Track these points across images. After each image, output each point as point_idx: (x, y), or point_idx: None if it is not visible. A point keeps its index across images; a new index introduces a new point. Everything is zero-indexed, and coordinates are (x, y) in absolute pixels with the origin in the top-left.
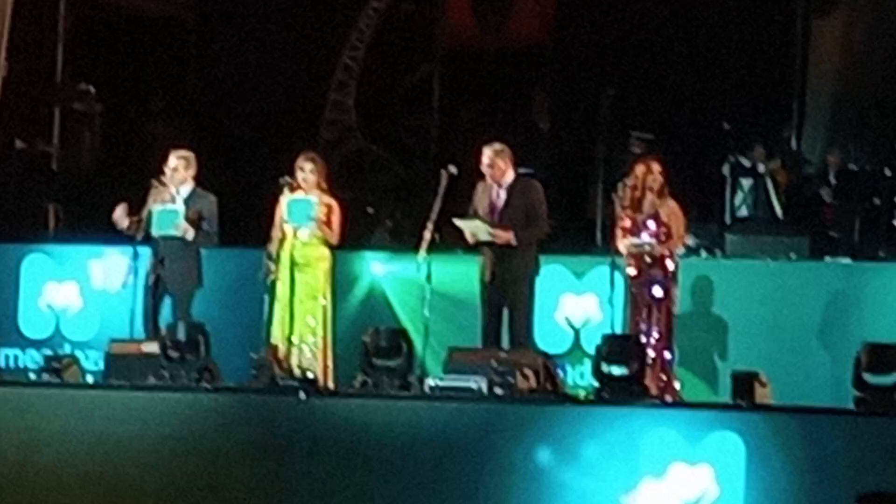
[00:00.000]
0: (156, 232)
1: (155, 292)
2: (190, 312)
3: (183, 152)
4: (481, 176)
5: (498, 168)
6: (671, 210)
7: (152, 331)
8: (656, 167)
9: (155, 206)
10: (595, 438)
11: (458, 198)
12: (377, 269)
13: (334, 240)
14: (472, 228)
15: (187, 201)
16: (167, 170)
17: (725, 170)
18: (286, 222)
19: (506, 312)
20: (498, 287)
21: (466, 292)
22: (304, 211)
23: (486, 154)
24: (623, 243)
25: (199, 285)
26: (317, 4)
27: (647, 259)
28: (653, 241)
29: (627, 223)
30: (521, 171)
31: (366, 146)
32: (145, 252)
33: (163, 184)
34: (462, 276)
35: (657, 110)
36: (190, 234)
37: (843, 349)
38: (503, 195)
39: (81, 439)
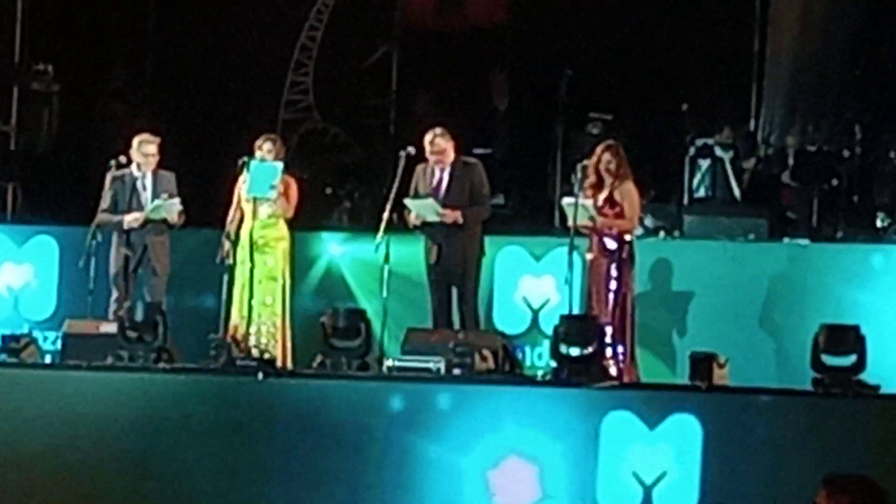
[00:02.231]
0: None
1: (133, 277)
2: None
3: (149, 135)
4: (424, 159)
5: (446, 152)
6: (626, 191)
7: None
8: (606, 155)
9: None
10: (553, 419)
11: None
12: (335, 249)
13: (290, 213)
14: (422, 208)
15: (154, 183)
16: (144, 156)
17: (684, 151)
18: (246, 194)
19: (455, 293)
20: (444, 268)
21: (423, 273)
22: (267, 177)
23: (432, 139)
24: (563, 203)
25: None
26: None
27: (605, 240)
28: (588, 202)
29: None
30: (479, 151)
31: (324, 126)
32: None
33: (123, 165)
34: (419, 256)
35: (616, 91)
36: (181, 219)
37: (802, 330)
38: (445, 177)
39: (39, 419)
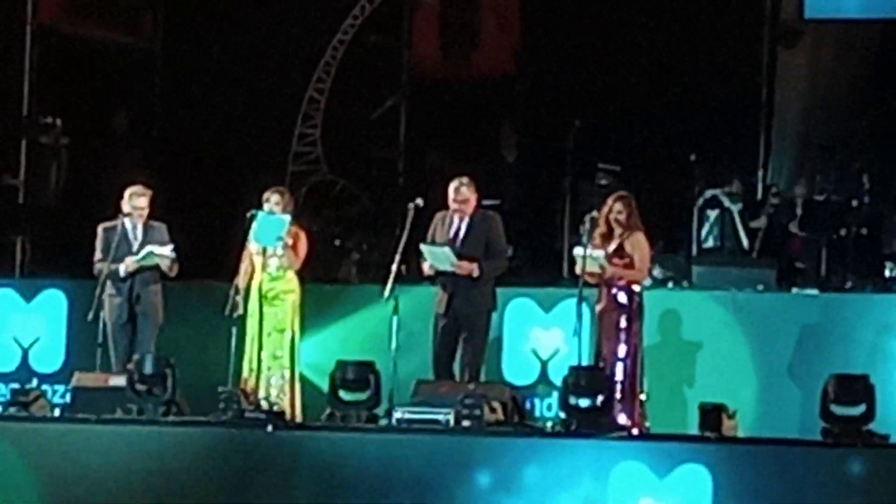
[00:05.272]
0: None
1: (132, 328)
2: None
3: (142, 188)
4: (444, 207)
5: (469, 201)
6: (636, 242)
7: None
8: (617, 205)
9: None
10: (562, 470)
11: (425, 230)
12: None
13: (297, 265)
14: (437, 256)
15: (145, 233)
16: (134, 208)
17: (693, 201)
18: (254, 244)
19: (461, 344)
20: (453, 318)
21: (427, 324)
22: (274, 229)
23: (458, 187)
24: (574, 253)
25: (164, 319)
26: (283, 37)
27: (614, 291)
28: (598, 252)
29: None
30: (488, 202)
31: (332, 178)
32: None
33: (126, 214)
34: (425, 307)
35: (624, 142)
36: (175, 270)
37: (811, 380)
38: (464, 227)
39: (48, 473)
